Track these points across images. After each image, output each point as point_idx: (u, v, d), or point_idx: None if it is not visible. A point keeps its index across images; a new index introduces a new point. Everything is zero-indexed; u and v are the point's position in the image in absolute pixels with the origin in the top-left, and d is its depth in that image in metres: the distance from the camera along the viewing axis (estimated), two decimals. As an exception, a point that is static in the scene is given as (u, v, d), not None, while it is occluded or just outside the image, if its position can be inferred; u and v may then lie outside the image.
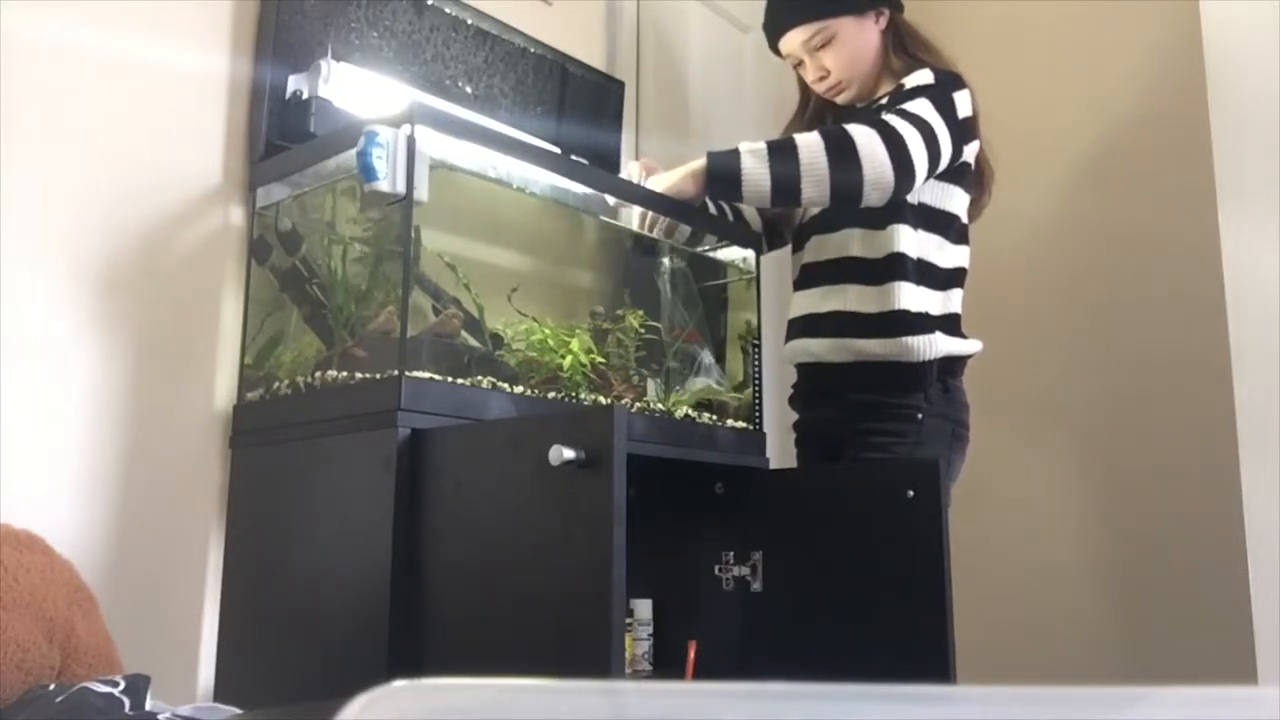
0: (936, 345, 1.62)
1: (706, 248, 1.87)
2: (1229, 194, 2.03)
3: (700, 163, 1.58)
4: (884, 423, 1.63)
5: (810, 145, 1.52)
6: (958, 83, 1.66)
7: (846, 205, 1.61)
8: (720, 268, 1.89)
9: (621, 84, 2.12)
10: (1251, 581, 1.91)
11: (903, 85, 1.67)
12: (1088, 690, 0.41)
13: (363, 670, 1.19)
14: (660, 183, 1.64)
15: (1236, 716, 0.41)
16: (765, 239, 1.92)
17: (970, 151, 1.67)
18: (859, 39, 1.74)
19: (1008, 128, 2.45)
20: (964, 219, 1.72)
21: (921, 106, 1.58)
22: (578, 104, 2.00)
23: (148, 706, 1.00)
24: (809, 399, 1.78)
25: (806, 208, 1.79)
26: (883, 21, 1.75)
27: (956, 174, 1.67)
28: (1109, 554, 2.33)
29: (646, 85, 2.22)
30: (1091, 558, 2.35)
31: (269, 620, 1.36)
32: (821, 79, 1.76)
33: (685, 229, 1.79)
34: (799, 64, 1.79)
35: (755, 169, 1.53)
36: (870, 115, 1.61)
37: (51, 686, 0.99)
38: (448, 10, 1.76)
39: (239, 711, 1.05)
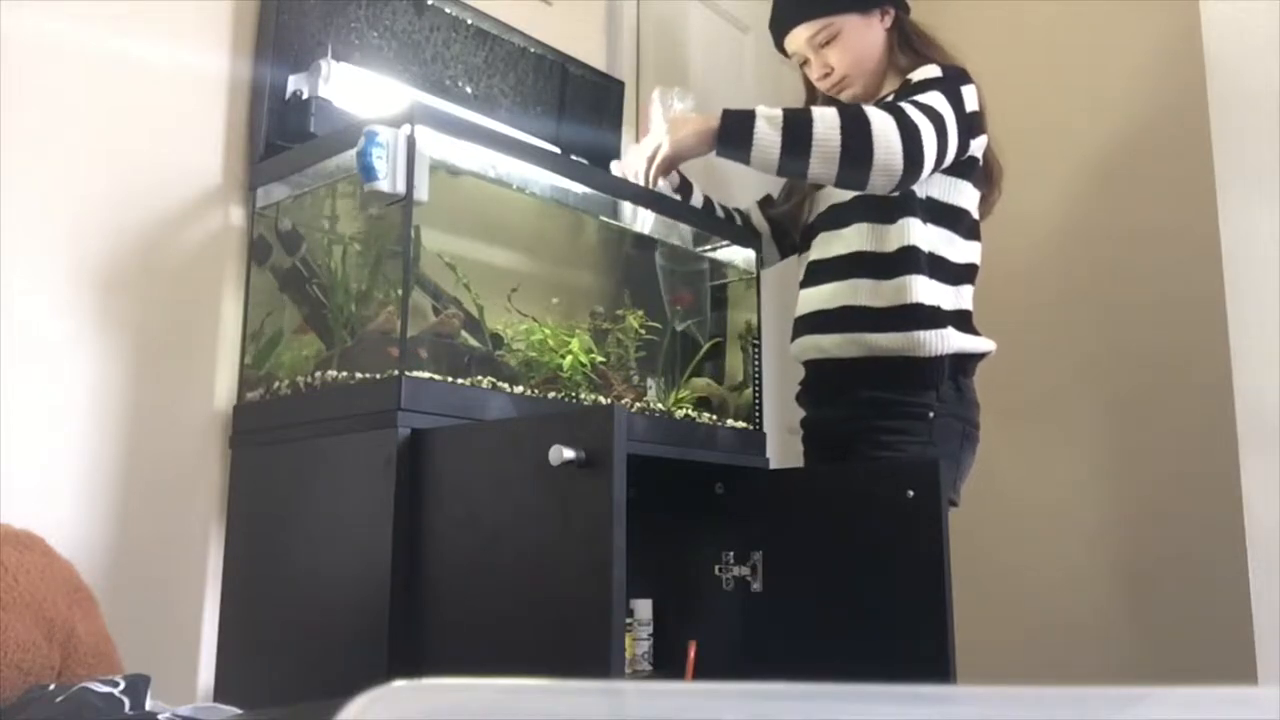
0: (948, 341, 1.61)
1: (707, 248, 1.87)
2: (1229, 193, 2.03)
3: (713, 120, 1.56)
4: (895, 420, 1.63)
5: (826, 120, 1.51)
6: (964, 77, 1.66)
7: (849, 188, 1.61)
8: (720, 268, 1.89)
9: (621, 84, 2.12)
10: (1251, 581, 1.91)
11: (909, 80, 1.66)
12: (1088, 690, 0.41)
13: (363, 670, 1.19)
14: (666, 133, 1.60)
15: (1236, 716, 0.41)
16: (777, 245, 1.91)
17: (977, 146, 1.67)
18: (864, 36, 1.74)
19: (1008, 128, 2.45)
20: (974, 214, 1.71)
21: (933, 98, 1.57)
22: (578, 104, 2.00)
23: (148, 706, 1.00)
24: (818, 396, 1.77)
25: (812, 208, 1.79)
26: (888, 20, 1.76)
27: (964, 168, 1.67)
28: (1109, 553, 2.33)
29: (646, 85, 2.22)
30: (1091, 557, 2.34)
31: (269, 620, 1.36)
32: (826, 76, 1.76)
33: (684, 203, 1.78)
34: (804, 62, 1.79)
35: (767, 134, 1.51)
36: (884, 104, 1.60)
37: (51, 686, 0.99)
38: (448, 10, 1.76)
39: (239, 711, 1.05)
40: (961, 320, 1.67)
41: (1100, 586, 2.32)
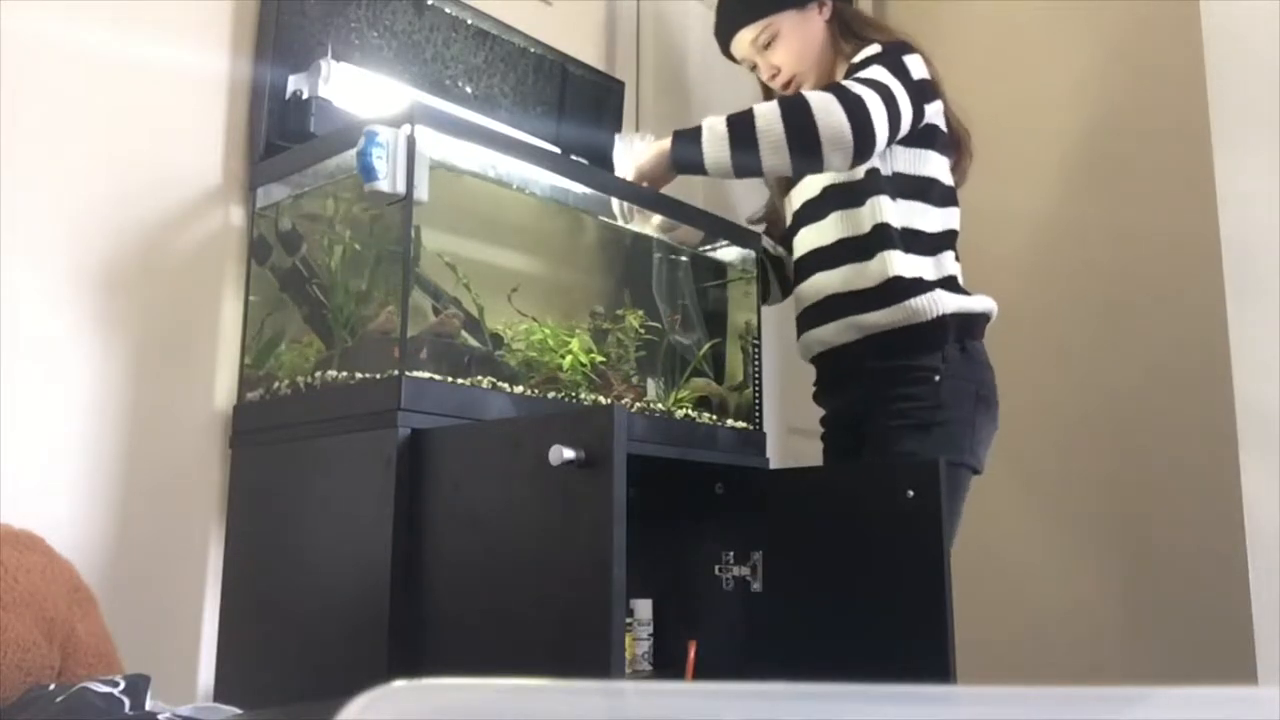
0: (940, 302, 1.61)
1: (707, 248, 1.87)
2: (1229, 193, 2.03)
3: (667, 142, 1.61)
4: (903, 388, 1.62)
5: (766, 112, 1.54)
6: (905, 48, 1.66)
7: (808, 171, 1.63)
8: (720, 267, 1.89)
9: (621, 84, 2.12)
10: (1251, 581, 1.91)
11: (853, 64, 1.67)
12: (1088, 690, 0.41)
13: (363, 670, 1.19)
14: (631, 163, 1.65)
15: (1236, 716, 0.41)
16: (780, 284, 1.91)
17: (933, 112, 1.67)
18: (804, 31, 1.75)
19: (1007, 127, 2.45)
20: (945, 181, 1.71)
21: (874, 71, 1.58)
22: (578, 104, 2.00)
23: (148, 706, 1.00)
24: (830, 387, 1.78)
25: (789, 209, 1.79)
26: (826, 11, 1.77)
27: (925, 137, 1.67)
28: (1109, 554, 2.33)
29: (646, 85, 2.22)
30: (1091, 558, 2.34)
31: (269, 620, 1.36)
32: (774, 76, 1.78)
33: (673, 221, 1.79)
34: (754, 67, 1.81)
35: (715, 142, 1.55)
36: (825, 85, 1.61)
37: (51, 686, 0.99)
38: (448, 10, 1.76)
39: (239, 711, 1.05)
40: (948, 286, 1.66)
41: (1100, 586, 2.32)
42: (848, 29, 1.76)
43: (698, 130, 1.58)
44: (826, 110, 1.50)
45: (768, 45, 1.76)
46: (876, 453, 1.63)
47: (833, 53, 1.77)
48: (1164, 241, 2.30)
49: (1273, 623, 1.87)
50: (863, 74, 1.58)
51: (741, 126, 1.54)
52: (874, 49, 1.66)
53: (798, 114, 1.51)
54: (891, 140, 1.58)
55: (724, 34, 1.81)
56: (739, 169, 1.57)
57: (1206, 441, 2.14)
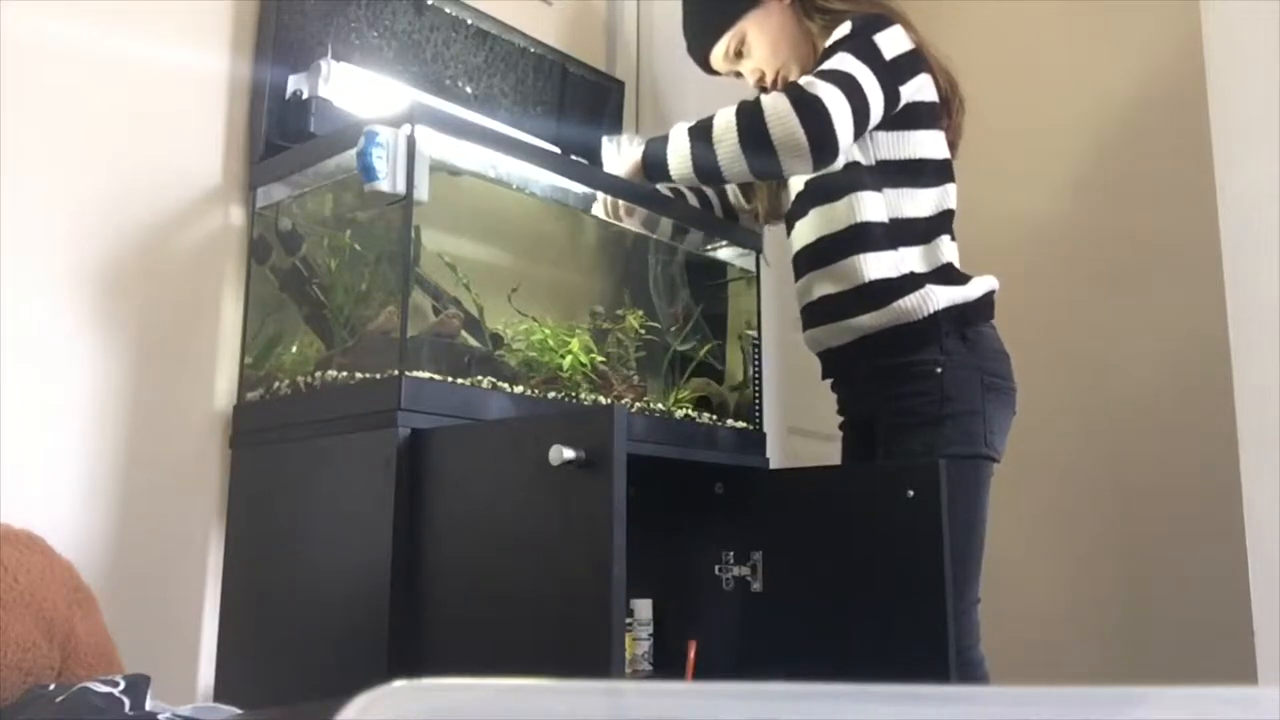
0: (932, 299, 1.57)
1: (707, 247, 1.87)
2: (1229, 193, 2.03)
3: (639, 153, 1.61)
4: (904, 385, 1.58)
5: (723, 121, 1.51)
6: (879, 23, 1.58)
7: (770, 176, 1.62)
8: (720, 267, 1.89)
9: (621, 84, 2.12)
10: (1251, 581, 1.91)
11: (825, 49, 1.61)
12: (1088, 690, 0.41)
13: (363, 670, 1.19)
14: (616, 169, 1.64)
15: (1236, 716, 0.41)
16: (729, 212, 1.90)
17: (913, 89, 1.59)
18: (770, 26, 1.71)
19: (1007, 128, 2.46)
20: (936, 157, 1.64)
21: (841, 60, 1.52)
22: (578, 104, 2.00)
23: (148, 706, 1.00)
24: (837, 385, 1.76)
25: (786, 194, 1.78)
26: None
27: (908, 118, 1.61)
28: (1109, 554, 2.33)
29: (646, 85, 2.22)
30: (1091, 557, 2.34)
31: (269, 620, 1.36)
32: (760, 79, 1.74)
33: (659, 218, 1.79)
34: (738, 75, 1.78)
35: (677, 150, 1.54)
36: (785, 85, 1.57)
37: (51, 686, 0.99)
38: (448, 10, 1.76)
39: (239, 711, 1.05)
40: (943, 275, 1.61)
41: (1100, 586, 2.32)
42: (811, 5, 1.70)
43: (664, 139, 1.57)
44: (780, 117, 1.45)
45: (740, 53, 1.72)
46: (889, 451, 1.59)
47: (806, 36, 1.71)
48: (1164, 241, 2.30)
49: (1273, 623, 1.87)
50: (828, 64, 1.52)
51: (700, 133, 1.52)
52: (845, 29, 1.59)
53: (750, 119, 1.48)
54: (859, 135, 1.52)
55: (697, 57, 1.78)
56: (701, 175, 1.55)
57: (1206, 441, 2.14)
